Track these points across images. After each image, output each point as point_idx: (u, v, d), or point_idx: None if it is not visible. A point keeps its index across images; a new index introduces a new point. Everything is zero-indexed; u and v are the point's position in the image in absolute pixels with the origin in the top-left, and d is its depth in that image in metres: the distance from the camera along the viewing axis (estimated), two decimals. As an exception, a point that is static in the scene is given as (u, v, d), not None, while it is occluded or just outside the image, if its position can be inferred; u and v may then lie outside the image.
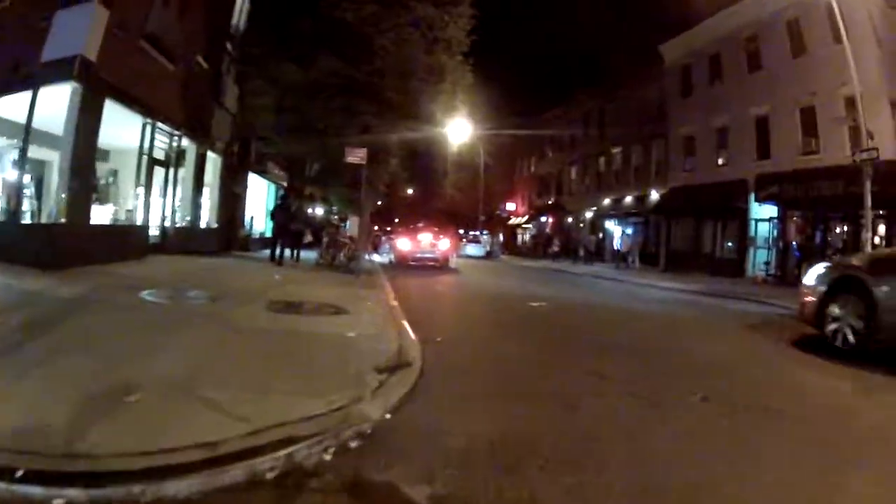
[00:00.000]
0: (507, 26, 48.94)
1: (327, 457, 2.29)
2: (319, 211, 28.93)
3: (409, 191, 30.70)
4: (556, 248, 30.07)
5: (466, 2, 12.50)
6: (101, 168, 11.87)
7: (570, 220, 35.44)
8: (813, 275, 6.12)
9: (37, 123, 8.19)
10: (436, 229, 20.27)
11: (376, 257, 19.63)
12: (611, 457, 2.52)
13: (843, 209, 15.31)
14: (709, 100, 22.45)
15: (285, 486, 2.05)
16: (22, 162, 8.57)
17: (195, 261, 11.38)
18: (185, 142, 12.95)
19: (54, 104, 7.94)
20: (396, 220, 41.25)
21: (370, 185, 13.96)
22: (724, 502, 2.20)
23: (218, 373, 3.17)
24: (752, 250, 19.06)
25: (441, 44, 11.89)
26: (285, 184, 23.54)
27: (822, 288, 5.79)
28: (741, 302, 11.01)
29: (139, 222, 11.35)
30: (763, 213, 18.84)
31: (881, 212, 13.57)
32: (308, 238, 17.29)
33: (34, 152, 8.91)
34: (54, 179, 8.89)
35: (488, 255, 32.20)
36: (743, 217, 19.54)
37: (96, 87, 8.28)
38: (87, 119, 8.21)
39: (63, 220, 8.13)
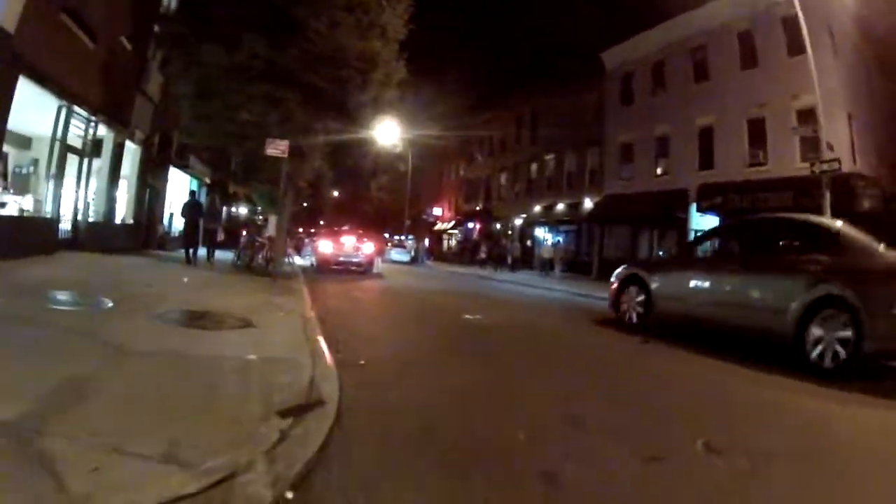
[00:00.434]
0: (446, 19, 44.81)
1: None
2: (244, 210, 27.28)
3: (335, 193, 29.79)
4: (483, 255, 30.09)
5: None
6: (23, 156, 10.83)
7: (498, 226, 35.59)
8: (616, 272, 8.30)
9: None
10: (360, 232, 19.72)
11: (298, 260, 18.65)
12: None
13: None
14: (650, 108, 22.50)
15: None
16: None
17: (104, 259, 10.30)
18: (103, 130, 11.90)
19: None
20: (322, 223, 39.84)
21: (292, 182, 13.06)
22: None
23: (69, 418, 2.41)
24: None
25: (376, 29, 11.28)
26: (208, 179, 21.93)
27: (617, 283, 8.10)
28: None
29: (49, 215, 10.19)
30: (704, 223, 18.72)
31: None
32: (221, 236, 16.28)
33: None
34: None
35: (413, 261, 31.86)
36: (683, 227, 19.61)
37: (12, 62, 7.32)
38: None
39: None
